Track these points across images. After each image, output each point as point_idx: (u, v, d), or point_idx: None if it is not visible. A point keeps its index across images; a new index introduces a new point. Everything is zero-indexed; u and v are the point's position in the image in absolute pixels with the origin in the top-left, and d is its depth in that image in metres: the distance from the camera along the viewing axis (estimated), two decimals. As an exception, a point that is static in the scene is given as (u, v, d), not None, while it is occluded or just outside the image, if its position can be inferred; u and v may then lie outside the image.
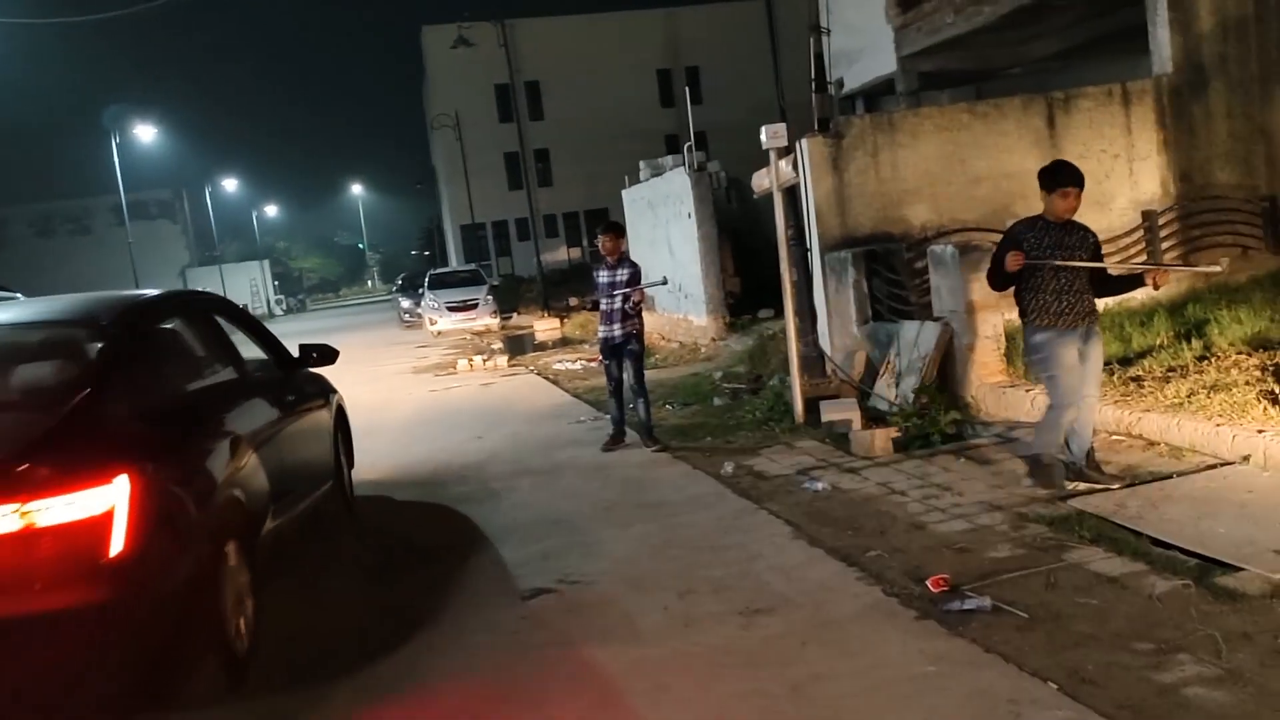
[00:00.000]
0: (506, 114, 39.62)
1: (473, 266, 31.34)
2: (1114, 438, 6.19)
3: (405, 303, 32.59)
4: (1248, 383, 6.11)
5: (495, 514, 6.58)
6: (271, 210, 75.02)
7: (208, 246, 66.59)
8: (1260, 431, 5.39)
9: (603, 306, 8.12)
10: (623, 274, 8.03)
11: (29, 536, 3.23)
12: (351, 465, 6.91)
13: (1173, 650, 3.49)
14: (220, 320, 5.39)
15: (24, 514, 3.23)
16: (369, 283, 70.21)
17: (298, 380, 5.89)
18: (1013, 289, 5.54)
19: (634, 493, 6.76)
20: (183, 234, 68.22)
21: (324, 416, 6.20)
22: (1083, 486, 5.40)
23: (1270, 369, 6.34)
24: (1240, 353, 6.72)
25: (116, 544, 3.32)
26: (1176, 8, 10.49)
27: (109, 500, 3.33)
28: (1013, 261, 5.30)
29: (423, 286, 27.84)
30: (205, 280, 54.68)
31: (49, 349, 4.34)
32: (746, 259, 14.97)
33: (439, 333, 25.11)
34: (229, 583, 4.00)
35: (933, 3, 15.15)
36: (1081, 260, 5.35)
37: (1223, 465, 5.38)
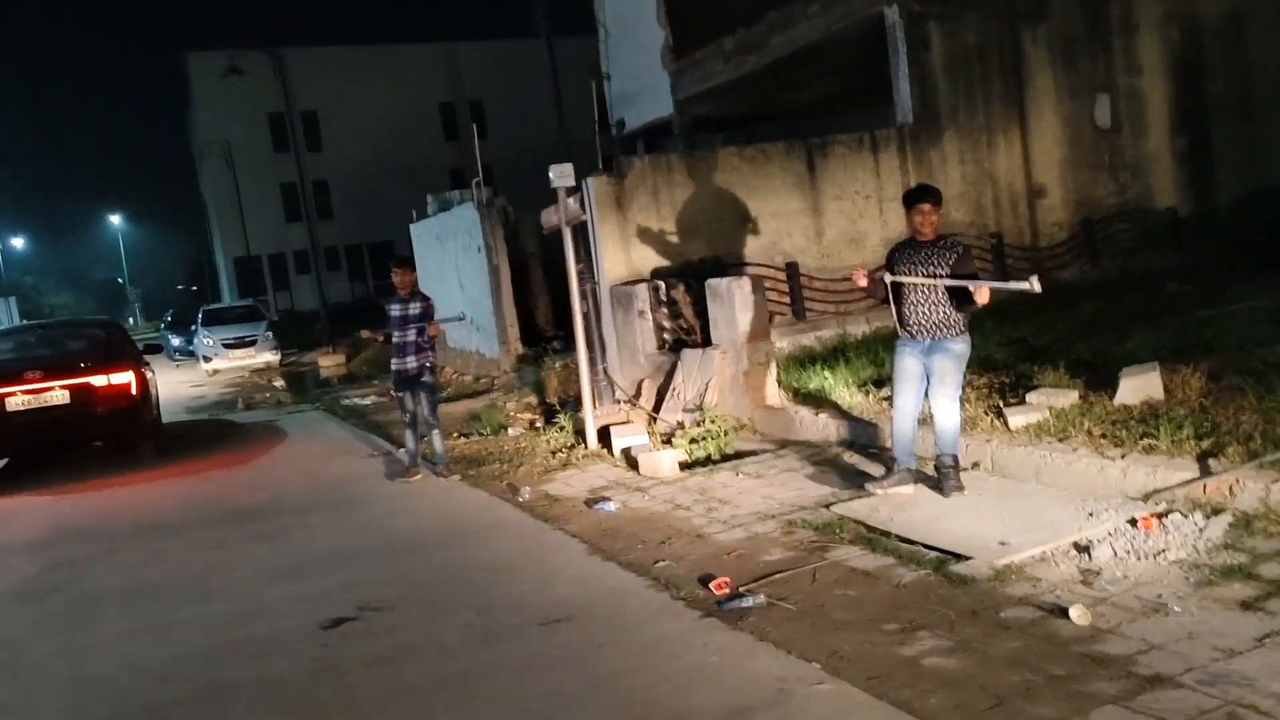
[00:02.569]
0: (281, 144, 38.07)
1: (249, 301, 29.97)
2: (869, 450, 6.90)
3: (175, 340, 30.79)
4: (978, 399, 7.00)
5: (287, 550, 6.54)
6: (19, 243, 68.34)
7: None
8: (987, 441, 6.21)
9: (395, 340, 8.20)
10: (415, 307, 8.14)
11: (110, 386, 10.34)
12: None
13: (915, 629, 4.03)
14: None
15: (108, 379, 10.34)
16: (130, 320, 65.18)
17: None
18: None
19: (431, 521, 6.88)
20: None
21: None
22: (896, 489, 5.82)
23: (995, 387, 7.28)
24: (974, 373, 7.62)
25: (135, 390, 10.51)
26: (915, 64, 11.75)
27: (131, 377, 10.51)
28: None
29: (195, 323, 26.47)
30: None
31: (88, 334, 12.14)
32: (560, 291, 15.02)
33: (214, 371, 23.95)
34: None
35: (703, 51, 16.13)
36: (938, 276, 5.60)
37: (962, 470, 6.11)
